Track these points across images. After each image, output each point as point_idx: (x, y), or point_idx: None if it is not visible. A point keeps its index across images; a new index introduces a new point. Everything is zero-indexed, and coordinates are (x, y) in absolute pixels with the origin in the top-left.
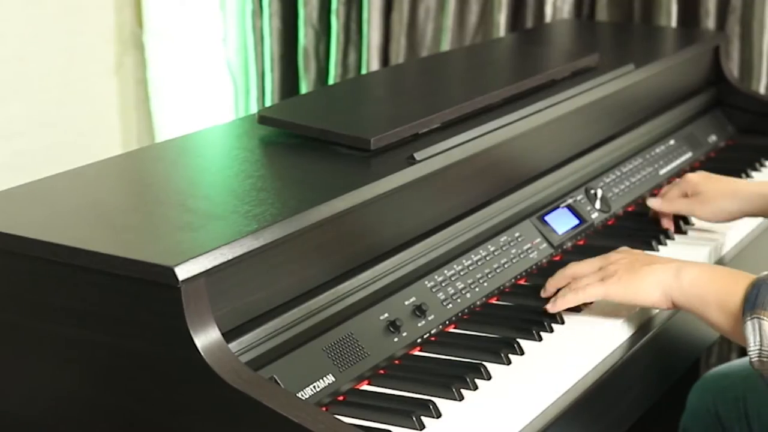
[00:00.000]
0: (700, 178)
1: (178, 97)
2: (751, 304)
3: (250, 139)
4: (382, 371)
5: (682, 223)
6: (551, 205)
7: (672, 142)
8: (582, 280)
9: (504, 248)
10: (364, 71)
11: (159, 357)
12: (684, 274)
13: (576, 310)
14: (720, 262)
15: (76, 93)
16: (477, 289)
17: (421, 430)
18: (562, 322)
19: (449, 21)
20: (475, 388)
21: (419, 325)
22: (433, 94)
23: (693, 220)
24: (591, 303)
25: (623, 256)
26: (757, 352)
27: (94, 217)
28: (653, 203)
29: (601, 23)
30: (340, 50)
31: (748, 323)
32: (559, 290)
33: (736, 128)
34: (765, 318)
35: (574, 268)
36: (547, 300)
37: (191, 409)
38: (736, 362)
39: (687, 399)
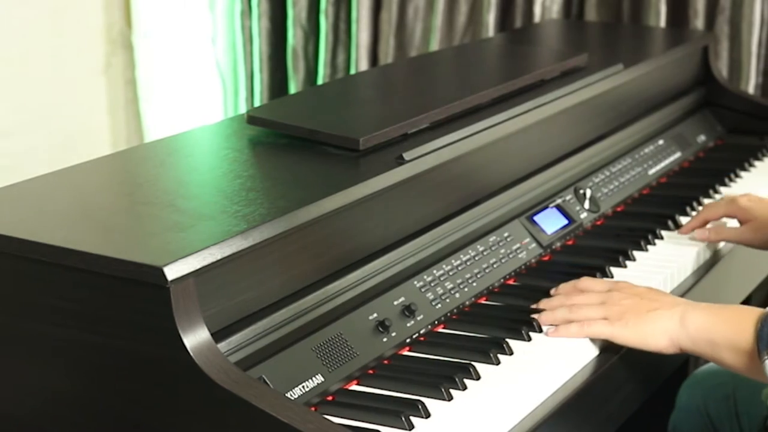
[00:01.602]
0: (751, 203)
1: (167, 97)
2: (765, 342)
3: (239, 139)
4: (371, 371)
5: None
6: (540, 205)
7: (661, 142)
8: (584, 311)
9: (493, 248)
10: (353, 71)
11: (148, 357)
12: (689, 321)
13: None
14: (714, 257)
15: (64, 93)
16: (466, 289)
17: (410, 430)
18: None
19: (438, 21)
20: (464, 388)
21: (408, 325)
22: (422, 94)
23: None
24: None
25: (626, 295)
26: None
27: (83, 218)
28: (699, 235)
29: (590, 23)
30: (329, 50)
31: (767, 362)
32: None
33: (725, 128)
34: None
35: (576, 300)
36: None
37: (180, 409)
38: None
39: (677, 397)
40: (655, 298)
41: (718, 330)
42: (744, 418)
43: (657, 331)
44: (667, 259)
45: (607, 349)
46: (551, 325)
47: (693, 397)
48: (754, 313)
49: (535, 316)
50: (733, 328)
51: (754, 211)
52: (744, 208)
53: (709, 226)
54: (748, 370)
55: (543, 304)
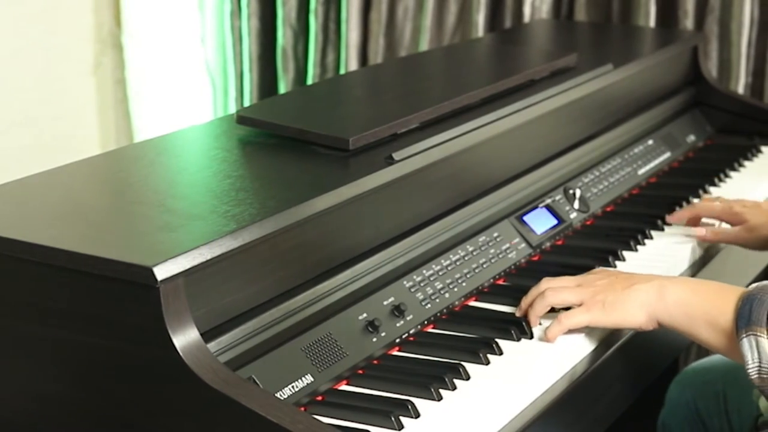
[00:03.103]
0: (744, 209)
1: (157, 97)
2: (745, 320)
3: (228, 139)
4: (360, 371)
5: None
6: (530, 205)
7: (650, 142)
8: (560, 294)
9: (482, 248)
10: (342, 71)
11: (137, 357)
12: (668, 294)
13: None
14: (705, 256)
15: (54, 93)
16: (455, 289)
17: (399, 430)
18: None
19: (428, 21)
20: (454, 388)
21: (398, 325)
22: (411, 94)
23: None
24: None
25: (601, 276)
26: (757, 369)
27: (73, 217)
28: (697, 233)
29: (580, 23)
30: (318, 50)
31: (744, 340)
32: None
33: (714, 128)
34: (762, 335)
35: (552, 283)
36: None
37: (170, 409)
38: (716, 357)
39: (666, 393)
40: (630, 276)
41: (697, 304)
42: (734, 416)
43: (635, 306)
44: (658, 258)
45: (598, 348)
46: (534, 318)
47: (683, 394)
48: (736, 291)
49: (518, 314)
50: (713, 304)
51: (746, 214)
52: (737, 213)
53: (706, 225)
54: (723, 347)
55: (522, 301)
